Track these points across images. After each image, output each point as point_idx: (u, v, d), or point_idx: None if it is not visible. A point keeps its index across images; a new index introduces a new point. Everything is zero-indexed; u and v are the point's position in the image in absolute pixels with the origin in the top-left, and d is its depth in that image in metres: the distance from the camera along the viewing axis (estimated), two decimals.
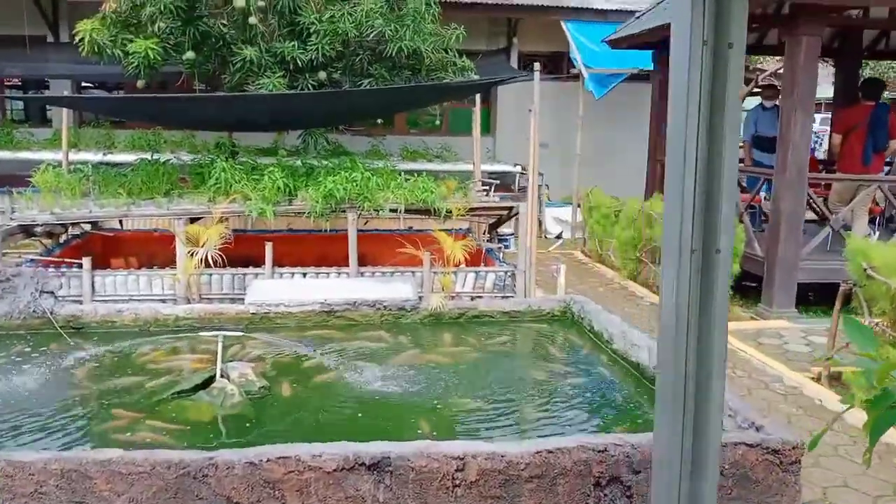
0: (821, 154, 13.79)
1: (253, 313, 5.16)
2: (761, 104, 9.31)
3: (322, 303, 5.33)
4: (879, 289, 4.32)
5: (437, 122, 12.90)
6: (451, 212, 6.29)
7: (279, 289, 5.74)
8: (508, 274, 6.31)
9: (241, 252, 6.26)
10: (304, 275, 6.12)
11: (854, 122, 7.06)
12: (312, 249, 7.12)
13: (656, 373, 2.18)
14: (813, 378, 5.05)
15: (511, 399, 4.17)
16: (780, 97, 9.65)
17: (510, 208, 6.69)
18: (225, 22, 6.51)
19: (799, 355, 5.57)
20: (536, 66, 6.20)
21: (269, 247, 6.03)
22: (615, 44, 10.01)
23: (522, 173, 11.32)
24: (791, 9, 6.48)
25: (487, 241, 7.35)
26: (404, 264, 6.30)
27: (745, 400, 4.56)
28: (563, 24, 12.20)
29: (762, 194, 8.73)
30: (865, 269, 4.40)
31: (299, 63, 6.50)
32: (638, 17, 9.77)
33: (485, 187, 7.51)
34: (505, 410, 4.01)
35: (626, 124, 13.01)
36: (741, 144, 10.44)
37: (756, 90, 13.37)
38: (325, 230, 6.49)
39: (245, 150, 7.81)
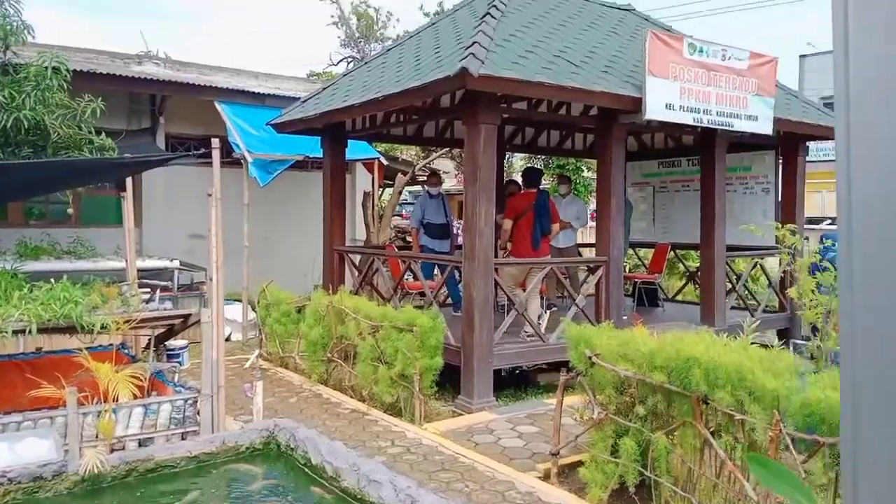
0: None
1: None
2: (427, 191, 9.52)
3: None
4: (605, 376, 4.22)
5: (68, 212, 10.72)
6: (106, 327, 4.81)
7: None
8: (189, 402, 5.01)
9: None
10: None
11: (522, 209, 7.45)
12: None
13: None
14: (541, 477, 4.78)
15: None
16: (442, 184, 10.12)
17: (187, 316, 5.42)
18: None
19: (517, 451, 5.33)
20: (215, 142, 5.20)
21: None
22: (280, 128, 9.43)
23: (182, 269, 9.86)
24: (468, 99, 6.59)
25: (154, 358, 5.90)
26: (37, 407, 4.58)
27: None
28: (218, 105, 11.27)
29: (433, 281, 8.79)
30: (590, 357, 4.28)
31: None
32: (303, 102, 9.36)
33: (146, 290, 6.11)
34: None
35: (295, 212, 12.45)
36: (409, 231, 10.61)
37: (421, 179, 14.01)
38: None
39: None
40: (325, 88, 9.43)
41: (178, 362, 6.92)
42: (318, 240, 9.52)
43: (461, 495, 4.45)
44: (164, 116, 11.86)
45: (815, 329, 8.43)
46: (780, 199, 9.44)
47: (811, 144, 9.77)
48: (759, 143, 9.05)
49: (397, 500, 3.52)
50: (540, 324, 7.30)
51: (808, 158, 9.58)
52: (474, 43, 6.30)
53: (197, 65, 14.11)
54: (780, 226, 6.43)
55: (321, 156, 9.62)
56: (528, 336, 7.20)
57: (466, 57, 6.02)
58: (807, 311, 4.55)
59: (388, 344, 6.23)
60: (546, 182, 14.07)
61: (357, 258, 9.59)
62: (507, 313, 7.43)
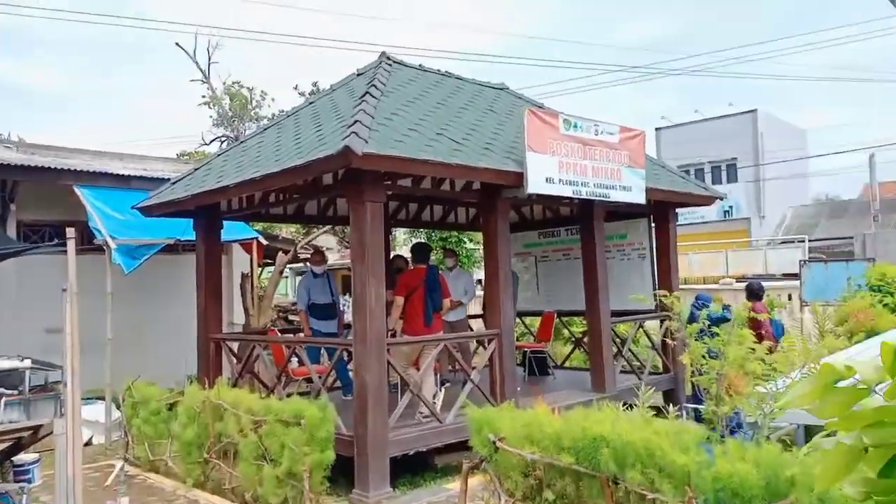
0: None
1: None
2: (311, 271, 9.17)
3: None
4: (510, 460, 4.01)
5: None
6: None
7: None
8: None
9: None
10: None
11: (413, 285, 7.27)
12: None
13: None
14: None
15: None
16: (326, 262, 9.79)
17: (37, 428, 4.72)
18: None
19: None
20: (70, 231, 4.69)
21: None
22: (147, 211, 8.84)
23: (34, 368, 8.85)
24: (353, 177, 6.43)
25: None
26: None
27: None
28: (77, 190, 10.46)
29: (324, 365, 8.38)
30: (494, 441, 4.06)
31: None
32: (173, 183, 8.85)
33: None
34: None
35: (166, 299, 11.61)
36: (297, 313, 10.14)
37: (304, 256, 13.55)
38: None
39: None
40: (197, 169, 8.99)
41: (27, 480, 6.03)
42: (192, 327, 8.85)
43: None
44: (15, 203, 10.87)
45: (697, 390, 8.72)
46: (655, 264, 9.83)
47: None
48: (632, 211, 9.45)
49: None
50: (435, 403, 7.03)
51: (708, 219, 10.12)
52: (356, 121, 6.20)
53: (55, 147, 13.18)
54: (667, 293, 6.60)
55: (194, 238, 9.07)
56: (424, 417, 6.91)
57: (349, 135, 5.89)
58: (700, 377, 4.60)
59: (272, 440, 5.74)
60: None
61: (236, 345, 8.99)
62: (401, 394, 7.13)
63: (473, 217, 11.74)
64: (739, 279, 19.12)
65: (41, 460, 6.65)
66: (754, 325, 7.71)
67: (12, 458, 5.49)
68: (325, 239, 20.22)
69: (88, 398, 9.63)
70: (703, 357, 4.62)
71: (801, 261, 14.88)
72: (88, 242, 10.32)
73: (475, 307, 11.85)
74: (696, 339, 4.90)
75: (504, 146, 7.56)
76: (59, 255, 7.31)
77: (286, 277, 26.12)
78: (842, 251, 21.93)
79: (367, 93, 7.28)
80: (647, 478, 3.41)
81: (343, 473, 6.28)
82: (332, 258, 22.30)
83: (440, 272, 8.00)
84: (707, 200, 10.38)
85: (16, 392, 8.63)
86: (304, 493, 5.48)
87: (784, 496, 2.93)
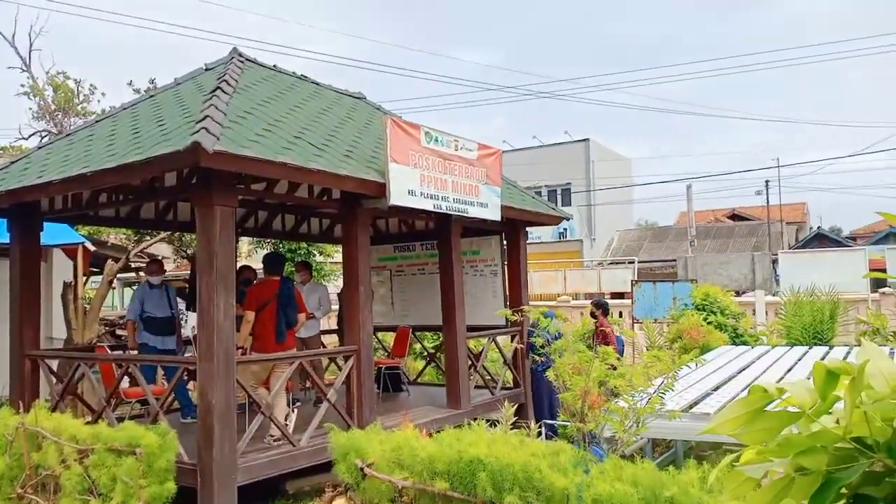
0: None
1: None
2: (148, 281, 8.39)
3: None
4: (379, 488, 3.77)
5: None
6: None
7: None
8: None
9: None
10: None
11: (265, 299, 6.80)
12: None
13: None
14: None
15: None
16: (164, 272, 9.00)
17: None
18: None
19: None
20: None
21: None
22: None
23: None
24: (201, 178, 5.90)
25: None
26: None
27: None
28: None
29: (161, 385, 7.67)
30: (361, 468, 3.81)
31: None
32: None
33: None
34: None
35: None
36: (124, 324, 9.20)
37: (137, 265, 12.39)
38: None
39: None
40: (14, 162, 7.91)
41: None
42: (2, 343, 7.73)
43: None
44: None
45: (539, 403, 8.95)
46: (506, 280, 10.02)
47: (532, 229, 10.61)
48: (485, 228, 9.58)
49: None
50: (287, 424, 6.61)
51: (544, 240, 10.41)
52: (206, 117, 5.69)
53: None
54: (524, 309, 6.68)
55: (7, 242, 7.95)
56: (275, 440, 6.46)
57: (199, 131, 5.38)
58: (564, 394, 4.63)
59: (102, 471, 5.08)
60: None
61: (56, 364, 7.98)
62: (249, 416, 6.64)
63: (326, 228, 11.38)
64: (575, 297, 20.16)
65: None
66: (603, 338, 8.06)
67: None
68: (160, 248, 18.79)
69: None
70: (569, 374, 4.65)
71: (632, 280, 15.89)
72: None
73: (327, 322, 11.45)
74: (559, 356, 4.95)
75: (364, 156, 7.34)
76: None
77: (115, 289, 23.98)
78: (664, 272, 23.85)
79: (218, 87, 6.76)
80: (525, 502, 3.32)
81: None
82: (168, 268, 20.78)
83: (296, 286, 7.59)
84: (555, 220, 10.77)
85: None
86: None
87: None
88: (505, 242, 10.24)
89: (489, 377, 9.56)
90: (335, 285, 14.36)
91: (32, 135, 22.21)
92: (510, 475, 3.36)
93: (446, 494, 3.53)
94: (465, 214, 8.13)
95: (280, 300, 6.88)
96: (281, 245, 13.75)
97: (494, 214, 8.59)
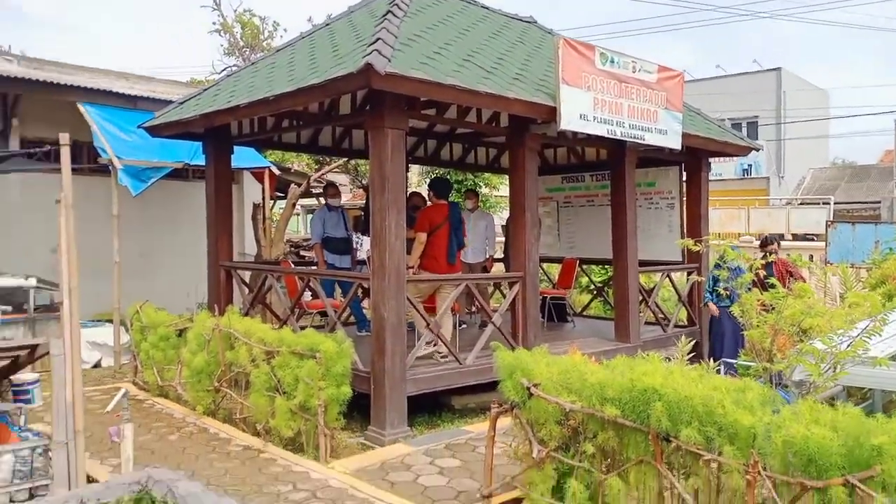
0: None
1: None
2: (326, 204, 8.81)
3: None
4: (545, 409, 3.70)
5: None
6: None
7: None
8: (39, 452, 4.05)
9: None
10: None
11: (437, 222, 6.89)
12: None
13: None
14: None
15: None
16: (341, 196, 9.41)
17: (33, 347, 4.43)
18: None
19: (440, 491, 4.72)
20: (64, 136, 4.28)
21: None
22: (154, 131, 8.40)
23: (39, 287, 8.58)
24: (373, 102, 5.98)
25: None
26: None
27: None
28: (81, 107, 9.99)
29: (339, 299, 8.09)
30: (528, 388, 3.75)
31: None
32: (181, 103, 8.38)
33: None
34: None
35: (176, 226, 11.28)
36: (312, 247, 9.80)
37: (316, 192, 13.15)
38: None
39: None
40: (206, 89, 8.52)
41: (26, 400, 5.79)
42: (201, 255, 8.54)
43: None
44: (17, 118, 10.41)
45: (717, 342, 8.41)
46: (684, 214, 9.43)
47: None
48: (662, 157, 9.00)
49: None
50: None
51: (726, 177, 9.67)
52: (378, 39, 5.70)
53: (57, 63, 12.64)
54: (716, 243, 6.22)
55: (203, 163, 8.66)
56: (442, 357, 6.63)
57: (371, 53, 5.41)
58: (751, 331, 4.25)
59: (286, 372, 5.46)
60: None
61: (247, 275, 8.69)
62: (416, 333, 6.85)
63: (494, 157, 11.29)
64: (759, 237, 18.68)
65: (40, 381, 6.41)
66: (788, 276, 7.40)
67: (10, 378, 5.24)
68: (337, 177, 19.77)
69: (97, 321, 9.43)
70: (756, 310, 4.26)
71: (827, 221, 14.42)
72: (93, 162, 9.94)
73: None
74: (747, 291, 4.55)
75: (534, 79, 7.06)
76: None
77: (297, 215, 25.75)
78: (864, 214, 21.43)
79: (389, 12, 6.74)
80: (705, 437, 3.10)
81: (358, 410, 6.05)
82: (344, 198, 21.88)
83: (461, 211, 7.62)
84: (743, 151, 9.88)
85: (17, 310, 8.38)
86: (319, 428, 5.24)
87: (867, 466, 2.61)
88: (684, 174, 9.60)
89: (661, 314, 9.14)
90: (500, 217, 14.35)
91: (223, 70, 23.93)
92: (689, 408, 3.14)
93: (616, 421, 3.39)
94: (641, 141, 7.66)
95: (451, 223, 6.94)
96: (449, 174, 13.88)
97: (674, 142, 8.02)
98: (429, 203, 7.84)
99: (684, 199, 9.55)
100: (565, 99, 6.72)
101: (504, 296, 8.17)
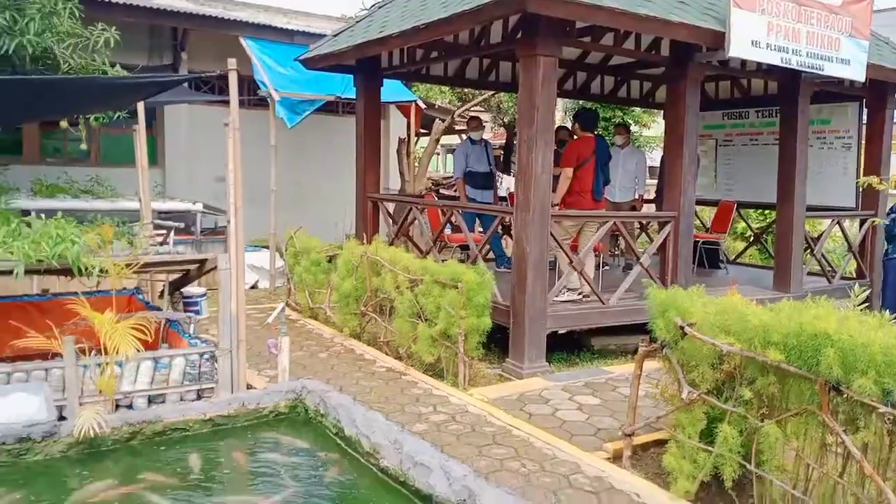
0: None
1: None
2: (469, 138, 8.74)
3: None
4: (699, 350, 3.49)
5: (85, 149, 10.11)
6: (105, 271, 4.16)
7: None
8: (206, 357, 4.40)
9: None
10: None
11: (585, 156, 6.63)
12: None
13: None
14: (610, 459, 4.11)
15: None
16: (484, 129, 9.32)
17: (202, 261, 4.78)
18: None
19: (579, 426, 4.66)
20: (232, 62, 4.48)
21: None
22: (309, 64, 8.62)
23: (205, 212, 9.26)
24: (526, 27, 5.76)
25: (169, 306, 5.29)
26: (29, 356, 4.00)
27: None
28: (243, 41, 10.49)
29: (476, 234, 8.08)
30: (682, 327, 3.54)
31: None
32: (335, 36, 8.54)
33: (160, 231, 5.47)
34: None
35: (325, 158, 11.74)
36: (454, 182, 9.86)
37: (458, 128, 13.17)
38: None
39: None
40: (359, 21, 8.61)
41: (196, 311, 6.32)
42: (348, 187, 8.81)
43: (519, 477, 3.81)
44: (186, 53, 11.12)
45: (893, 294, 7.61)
46: (861, 156, 8.50)
47: None
48: (840, 92, 8.10)
49: (451, 492, 2.86)
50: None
51: None
52: None
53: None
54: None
55: (353, 96, 8.84)
56: (583, 296, 6.48)
57: None
58: None
59: (428, 300, 5.55)
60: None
61: (392, 207, 8.88)
62: (557, 272, 6.73)
63: (648, 91, 10.67)
64: None
65: (207, 295, 6.97)
66: None
67: (181, 290, 5.71)
68: (479, 115, 19.62)
69: (254, 247, 10.10)
70: None
71: None
72: (252, 95, 10.47)
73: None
74: None
75: (700, 3, 6.48)
76: (227, 107, 7.32)
77: (437, 154, 26.00)
78: None
79: None
80: (880, 389, 2.79)
81: (495, 343, 6.08)
82: (485, 136, 21.74)
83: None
84: None
85: (188, 231, 9.10)
86: (459, 356, 5.32)
87: None
88: (864, 112, 8.61)
89: (827, 265, 8.40)
90: (649, 157, 13.68)
91: (372, 6, 24.21)
92: (865, 356, 2.83)
93: (780, 367, 3.12)
94: (819, 72, 6.90)
95: (598, 157, 6.67)
96: (596, 109, 13.36)
97: (858, 74, 7.16)
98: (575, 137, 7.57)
99: (863, 140, 8.59)
100: (736, 23, 6.14)
101: (651, 240, 7.79)
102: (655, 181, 10.10)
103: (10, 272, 3.79)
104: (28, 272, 3.91)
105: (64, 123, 7.89)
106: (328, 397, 3.85)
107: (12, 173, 9.52)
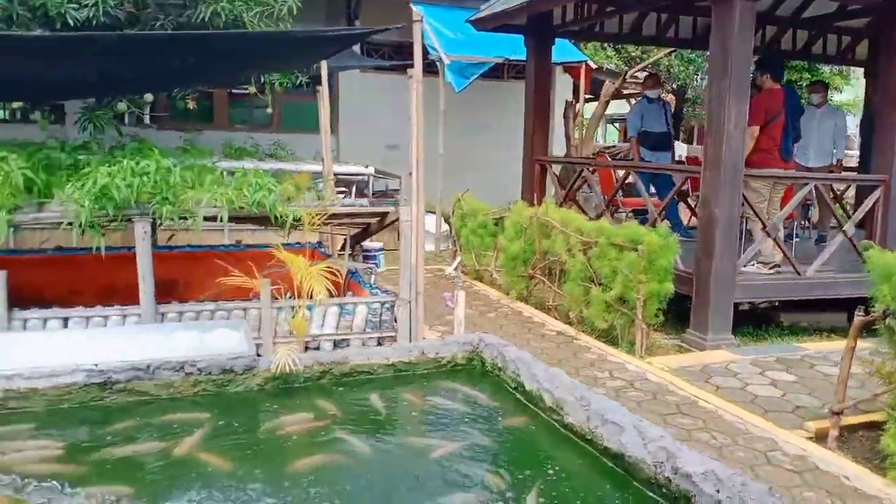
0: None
1: None
2: (646, 96, 8.30)
3: (92, 369, 3.21)
4: None
5: (268, 115, 10.76)
6: (299, 220, 4.35)
7: (17, 347, 3.50)
8: (387, 306, 4.50)
9: None
10: (66, 321, 3.89)
11: (774, 111, 6.00)
12: (88, 279, 4.84)
13: None
14: (812, 438, 3.73)
15: None
16: (662, 88, 8.80)
17: (384, 214, 4.87)
18: None
19: (773, 402, 4.28)
20: (417, 13, 4.49)
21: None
22: (480, 24, 8.53)
23: (377, 176, 9.55)
24: None
25: (349, 258, 5.48)
26: (231, 298, 4.27)
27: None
28: (414, 7, 10.60)
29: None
30: None
31: (71, 22, 4.54)
32: None
33: (342, 189, 5.67)
34: None
35: (492, 123, 11.70)
36: (628, 142, 9.46)
37: (627, 92, 12.64)
38: (101, 249, 4.20)
39: None
40: None
41: (374, 264, 6.53)
42: (513, 155, 8.69)
43: (710, 449, 3.55)
44: (359, 20, 11.45)
45: None
46: None
47: None
48: None
49: (646, 452, 2.69)
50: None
51: None
52: None
53: None
54: None
55: (521, 58, 8.65)
56: (772, 267, 5.95)
57: None
58: None
59: (603, 263, 5.33)
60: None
61: (558, 171, 8.66)
62: (746, 236, 6.21)
63: (846, 47, 9.57)
64: None
65: (384, 249, 7.20)
66: None
67: (361, 244, 5.90)
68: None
69: (425, 210, 10.31)
70: None
71: None
72: (423, 59, 10.57)
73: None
74: None
75: None
76: (398, 77, 7.44)
77: (598, 127, 25.17)
78: None
79: None
80: None
81: (671, 313, 5.73)
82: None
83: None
84: None
85: (359, 195, 9.44)
86: (636, 322, 5.07)
87: None
88: None
89: None
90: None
91: None
92: None
93: None
94: None
95: (788, 111, 6.03)
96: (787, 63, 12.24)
97: None
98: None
99: None
100: None
101: (845, 211, 6.95)
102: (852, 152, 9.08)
103: (215, 218, 4.06)
104: (229, 219, 4.16)
105: (252, 89, 8.41)
106: (507, 351, 3.78)
107: (205, 137, 10.32)
